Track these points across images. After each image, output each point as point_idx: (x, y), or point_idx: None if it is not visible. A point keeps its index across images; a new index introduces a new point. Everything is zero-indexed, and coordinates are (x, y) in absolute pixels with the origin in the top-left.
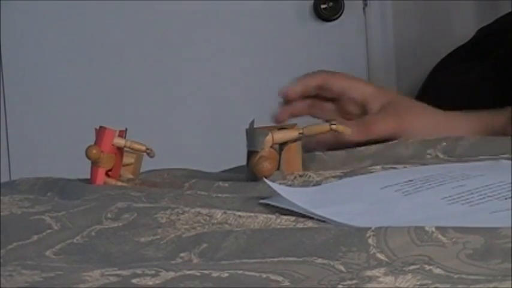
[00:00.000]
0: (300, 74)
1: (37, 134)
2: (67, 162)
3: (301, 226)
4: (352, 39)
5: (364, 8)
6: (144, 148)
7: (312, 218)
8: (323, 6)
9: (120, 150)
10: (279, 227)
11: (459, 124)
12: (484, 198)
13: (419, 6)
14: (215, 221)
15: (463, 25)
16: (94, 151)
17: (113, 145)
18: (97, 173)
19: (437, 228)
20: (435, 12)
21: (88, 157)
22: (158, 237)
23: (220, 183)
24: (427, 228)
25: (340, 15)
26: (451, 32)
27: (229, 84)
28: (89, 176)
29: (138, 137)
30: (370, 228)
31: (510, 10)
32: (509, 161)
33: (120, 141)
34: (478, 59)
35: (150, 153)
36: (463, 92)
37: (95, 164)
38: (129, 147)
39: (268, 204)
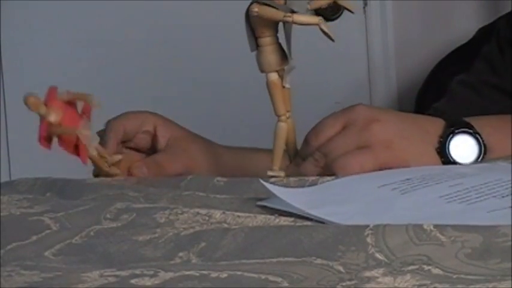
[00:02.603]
0: (299, 74)
1: (37, 134)
2: (67, 162)
3: (299, 224)
4: (352, 39)
5: (364, 8)
6: (85, 97)
7: (310, 219)
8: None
9: (70, 104)
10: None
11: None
12: (481, 196)
13: (420, 6)
14: (214, 220)
15: (463, 25)
16: (32, 99)
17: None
18: (41, 125)
19: (436, 226)
20: (435, 12)
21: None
22: (156, 235)
23: (216, 181)
24: (425, 227)
25: (340, 15)
26: (451, 32)
27: (228, 84)
28: (88, 176)
29: None
30: (368, 226)
31: (510, 10)
32: (507, 163)
33: (63, 95)
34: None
35: (92, 102)
36: None
37: (41, 118)
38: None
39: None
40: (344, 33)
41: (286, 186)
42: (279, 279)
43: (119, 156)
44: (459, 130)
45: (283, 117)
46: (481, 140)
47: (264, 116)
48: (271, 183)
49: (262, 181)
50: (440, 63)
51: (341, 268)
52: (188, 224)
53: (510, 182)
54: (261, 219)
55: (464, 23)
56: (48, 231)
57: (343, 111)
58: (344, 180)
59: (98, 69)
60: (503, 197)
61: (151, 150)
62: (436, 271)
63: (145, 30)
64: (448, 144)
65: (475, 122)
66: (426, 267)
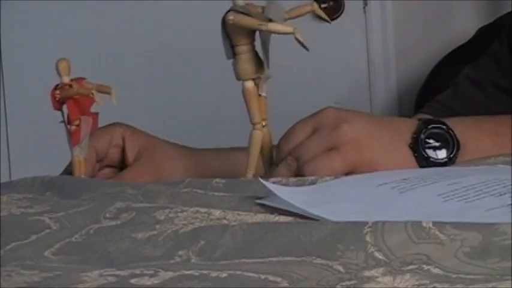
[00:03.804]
0: (299, 74)
1: (37, 134)
2: (67, 162)
3: (297, 221)
4: (352, 39)
5: (364, 8)
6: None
7: (310, 217)
8: (323, 6)
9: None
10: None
11: (210, 162)
12: (479, 194)
13: (420, 6)
14: (213, 217)
15: (464, 25)
16: (65, 63)
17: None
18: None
19: (435, 224)
20: (435, 12)
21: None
22: (155, 233)
23: (214, 182)
24: (424, 224)
25: (340, 15)
26: (452, 32)
27: (228, 84)
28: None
29: None
30: (367, 223)
31: (510, 10)
32: (506, 166)
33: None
34: (477, 58)
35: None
36: None
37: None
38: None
39: (264, 204)
40: (344, 33)
41: (285, 185)
42: (279, 279)
43: None
44: (432, 126)
45: (258, 126)
46: (453, 136)
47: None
48: (270, 181)
49: (261, 179)
50: (440, 63)
51: (341, 268)
52: (188, 221)
53: (508, 181)
54: (261, 217)
55: (464, 23)
56: (48, 231)
57: (313, 115)
58: (343, 179)
59: (98, 70)
60: (501, 195)
61: (123, 163)
62: (435, 271)
63: (146, 31)
64: (422, 140)
65: (449, 120)
66: (426, 267)
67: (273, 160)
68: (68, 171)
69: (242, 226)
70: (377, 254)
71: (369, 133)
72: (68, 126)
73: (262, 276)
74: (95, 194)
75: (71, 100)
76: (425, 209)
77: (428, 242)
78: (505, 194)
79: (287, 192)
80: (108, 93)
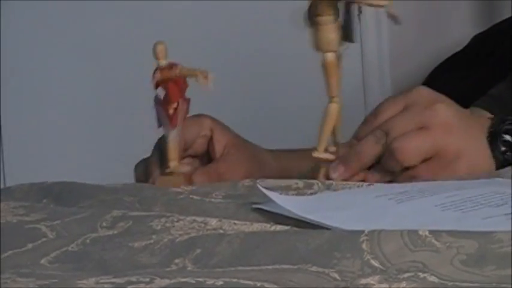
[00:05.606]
0: (298, 74)
1: (34, 135)
2: (64, 166)
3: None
4: (347, 45)
5: (358, 16)
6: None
7: (306, 226)
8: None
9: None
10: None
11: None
12: (476, 206)
13: (415, 12)
14: (210, 227)
15: (459, 32)
16: (162, 46)
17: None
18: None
19: (431, 232)
20: (430, 18)
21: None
22: (152, 241)
23: (214, 194)
24: (420, 232)
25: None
26: (447, 39)
27: (227, 85)
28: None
29: (139, 139)
30: (363, 231)
31: (506, 17)
32: (505, 179)
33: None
34: (472, 66)
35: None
36: (457, 99)
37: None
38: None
39: (262, 210)
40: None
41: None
42: (275, 287)
43: (188, 168)
44: (508, 122)
45: (336, 99)
46: None
47: (265, 117)
48: (268, 188)
49: (259, 186)
50: (435, 70)
51: (337, 275)
52: (184, 231)
53: (505, 194)
54: (257, 226)
55: (459, 30)
56: (44, 239)
57: (404, 92)
58: (343, 191)
59: (98, 70)
60: (497, 206)
61: (206, 154)
62: (431, 278)
63: (147, 31)
64: (500, 132)
65: None
66: (422, 275)
67: (356, 135)
68: (159, 151)
69: (239, 235)
70: (373, 262)
71: (460, 119)
72: (164, 108)
73: (258, 284)
74: (92, 200)
75: (171, 82)
76: (422, 217)
77: (424, 250)
78: (502, 205)
79: (285, 199)
80: (205, 77)
